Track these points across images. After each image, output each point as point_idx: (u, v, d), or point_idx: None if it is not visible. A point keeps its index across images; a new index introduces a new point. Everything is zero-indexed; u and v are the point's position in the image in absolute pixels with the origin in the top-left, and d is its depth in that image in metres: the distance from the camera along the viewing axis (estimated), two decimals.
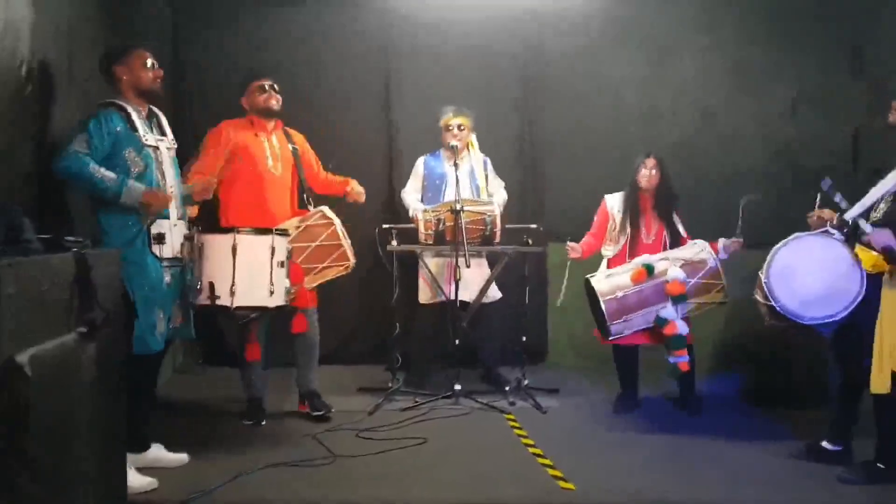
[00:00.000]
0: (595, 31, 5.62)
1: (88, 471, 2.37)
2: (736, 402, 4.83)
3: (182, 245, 3.43)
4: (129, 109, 3.33)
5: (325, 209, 4.21)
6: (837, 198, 3.53)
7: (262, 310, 3.60)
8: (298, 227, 4.11)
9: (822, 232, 3.51)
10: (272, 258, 3.52)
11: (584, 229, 4.74)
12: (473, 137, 5.02)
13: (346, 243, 4.16)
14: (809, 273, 3.46)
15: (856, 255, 3.43)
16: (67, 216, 3.43)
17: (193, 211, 4.00)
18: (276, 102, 4.25)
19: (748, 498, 3.28)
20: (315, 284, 4.15)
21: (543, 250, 5.25)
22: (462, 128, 4.92)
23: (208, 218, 4.09)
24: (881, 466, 3.46)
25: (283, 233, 3.73)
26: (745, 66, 5.53)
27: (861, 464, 3.55)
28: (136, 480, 3.14)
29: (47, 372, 2.04)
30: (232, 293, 3.41)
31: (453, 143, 4.84)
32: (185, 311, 3.50)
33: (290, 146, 4.34)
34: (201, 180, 3.73)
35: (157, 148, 3.40)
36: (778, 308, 3.47)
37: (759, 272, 3.75)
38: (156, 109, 3.51)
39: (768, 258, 3.55)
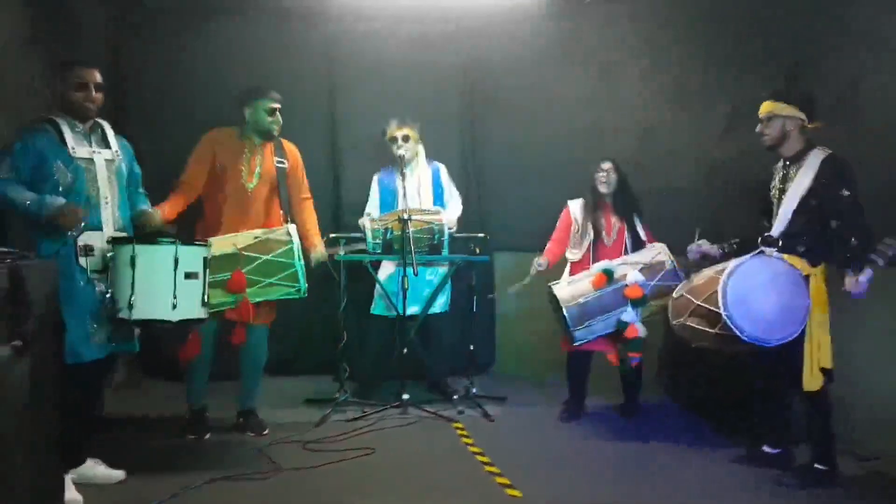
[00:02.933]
0: (540, 49, 5.68)
1: (22, 488, 2.30)
2: (678, 410, 4.92)
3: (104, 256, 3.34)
4: (62, 123, 3.34)
5: (292, 227, 4.14)
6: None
7: (164, 323, 3.32)
8: (258, 237, 4.04)
9: (759, 253, 3.57)
10: (175, 269, 3.30)
11: (529, 240, 4.78)
12: (420, 148, 5.02)
13: (300, 266, 4.04)
14: (762, 296, 3.47)
15: (796, 268, 3.50)
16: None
17: (171, 214, 4.03)
18: (278, 128, 4.27)
19: (692, 501, 3.33)
20: (260, 299, 4.04)
21: (490, 259, 5.28)
22: (407, 138, 4.92)
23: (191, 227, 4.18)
24: (820, 467, 3.55)
25: (201, 243, 3.50)
26: (683, 85, 5.66)
27: (800, 467, 3.65)
28: (70, 495, 3.05)
29: None
30: (130, 306, 3.22)
31: (399, 153, 4.86)
32: (125, 324, 3.38)
33: (276, 161, 4.30)
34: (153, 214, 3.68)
35: (91, 160, 3.37)
36: (745, 338, 3.45)
37: (680, 294, 3.81)
38: (101, 121, 3.49)
39: (719, 289, 3.50)
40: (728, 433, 4.29)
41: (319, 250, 4.43)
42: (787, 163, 3.69)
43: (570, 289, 4.41)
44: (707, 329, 3.62)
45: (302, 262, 4.06)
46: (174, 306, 3.27)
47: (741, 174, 5.41)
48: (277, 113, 4.24)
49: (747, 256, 3.58)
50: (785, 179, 3.68)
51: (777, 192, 3.72)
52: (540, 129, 5.71)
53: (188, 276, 3.32)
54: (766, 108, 3.70)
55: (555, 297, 4.41)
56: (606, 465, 3.80)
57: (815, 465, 3.57)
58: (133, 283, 3.20)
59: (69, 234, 3.25)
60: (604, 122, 5.72)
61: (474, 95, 5.78)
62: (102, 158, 3.42)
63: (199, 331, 3.92)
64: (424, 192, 4.97)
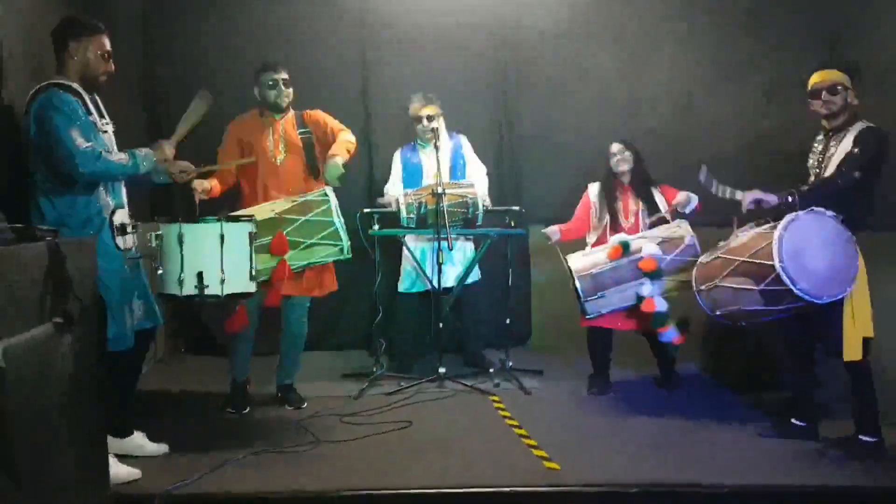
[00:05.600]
0: (574, 20, 5.58)
1: (68, 463, 2.34)
2: (711, 384, 4.85)
3: (145, 235, 3.35)
4: (82, 93, 3.19)
5: (329, 188, 4.15)
6: (713, 187, 3.75)
7: (248, 296, 3.56)
8: (295, 201, 4.06)
9: (810, 211, 3.47)
10: (251, 243, 3.47)
11: (564, 213, 4.74)
12: (441, 122, 4.96)
13: (340, 223, 4.06)
14: (816, 252, 3.41)
15: (846, 228, 3.44)
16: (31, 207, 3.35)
17: (216, 190, 4.11)
18: (286, 99, 4.26)
19: (731, 475, 3.28)
20: (304, 263, 4.05)
21: (525, 232, 5.24)
22: (432, 118, 4.87)
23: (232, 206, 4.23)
24: (866, 439, 3.50)
25: (250, 218, 3.63)
26: (722, 56, 5.53)
27: (845, 439, 3.59)
28: (120, 471, 3.12)
29: (22, 364, 2.00)
30: (222, 282, 3.35)
31: (429, 133, 4.83)
32: (146, 300, 3.43)
33: (299, 132, 4.31)
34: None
35: (107, 133, 3.30)
36: (797, 291, 3.38)
37: (714, 257, 3.73)
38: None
39: (774, 241, 3.42)
40: (759, 407, 4.24)
41: (335, 160, 4.19)
42: (830, 134, 3.65)
43: (585, 260, 4.40)
44: (751, 287, 3.55)
45: (341, 219, 4.07)
46: (251, 277, 3.46)
47: (785, 144, 5.29)
48: (281, 84, 4.23)
49: (801, 212, 3.48)
50: (826, 150, 3.64)
51: (816, 162, 3.69)
52: (574, 102, 5.63)
53: (256, 249, 3.54)
54: (833, 76, 3.62)
55: (568, 268, 4.39)
56: (641, 437, 3.78)
57: (861, 438, 3.51)
58: (222, 260, 3.33)
59: (104, 211, 3.22)
60: (639, 93, 5.62)
61: (508, 68, 5.70)
62: (111, 130, 3.34)
63: (244, 303, 3.97)
64: (444, 164, 4.91)
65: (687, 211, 4.45)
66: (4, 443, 1.91)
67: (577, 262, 4.39)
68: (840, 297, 3.41)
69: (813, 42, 5.27)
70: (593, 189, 4.71)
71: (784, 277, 3.40)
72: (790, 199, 3.57)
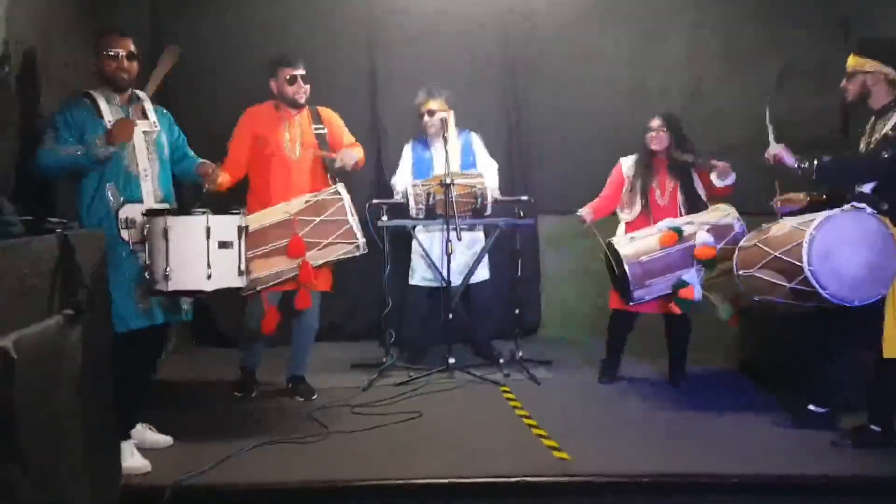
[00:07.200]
0: (583, 8, 5.56)
1: (79, 454, 2.35)
2: (724, 374, 4.82)
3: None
4: (98, 97, 3.34)
5: (341, 186, 4.15)
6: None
7: (199, 294, 3.35)
8: (308, 201, 4.05)
9: (848, 208, 3.38)
10: (208, 239, 3.26)
11: (573, 203, 4.71)
12: (451, 115, 4.93)
13: (354, 221, 4.06)
14: (850, 253, 3.29)
15: (888, 226, 3.33)
16: (48, 200, 3.40)
17: (224, 181, 3.92)
18: (304, 94, 4.23)
19: (741, 465, 3.28)
20: (322, 262, 4.06)
21: (534, 222, 5.23)
22: (433, 112, 4.82)
23: (241, 201, 4.14)
24: (875, 429, 3.49)
25: (235, 212, 3.43)
26: (733, 41, 5.50)
27: (855, 428, 3.57)
28: (131, 462, 3.14)
29: (32, 355, 2.01)
30: (166, 277, 3.20)
31: (432, 129, 4.82)
32: (164, 295, 3.39)
33: (314, 128, 4.29)
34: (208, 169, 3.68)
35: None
36: (826, 295, 3.29)
37: (752, 244, 3.67)
38: (139, 93, 3.47)
39: (805, 242, 3.31)
40: (773, 394, 4.22)
41: (354, 151, 4.30)
42: (875, 117, 3.53)
43: (634, 246, 4.19)
44: (782, 283, 3.46)
45: (355, 216, 4.07)
46: (209, 276, 3.26)
47: (795, 133, 5.25)
48: (300, 80, 4.19)
49: (837, 210, 3.38)
50: (872, 133, 3.53)
51: (865, 146, 3.56)
52: (584, 91, 5.61)
53: (222, 245, 3.30)
54: (849, 63, 3.54)
55: (616, 252, 4.19)
56: (653, 427, 3.78)
57: (871, 427, 3.50)
58: (167, 255, 3.20)
59: (110, 204, 3.28)
60: (649, 81, 5.60)
61: (516, 58, 5.69)
62: (140, 130, 3.40)
63: (278, 305, 4.06)
64: (453, 160, 4.88)
65: (724, 183, 4.24)
66: (15, 434, 1.92)
67: (627, 248, 4.18)
68: (873, 300, 3.31)
69: (823, 29, 5.23)
70: (627, 162, 4.55)
71: (812, 281, 3.29)
72: (805, 165, 3.49)
